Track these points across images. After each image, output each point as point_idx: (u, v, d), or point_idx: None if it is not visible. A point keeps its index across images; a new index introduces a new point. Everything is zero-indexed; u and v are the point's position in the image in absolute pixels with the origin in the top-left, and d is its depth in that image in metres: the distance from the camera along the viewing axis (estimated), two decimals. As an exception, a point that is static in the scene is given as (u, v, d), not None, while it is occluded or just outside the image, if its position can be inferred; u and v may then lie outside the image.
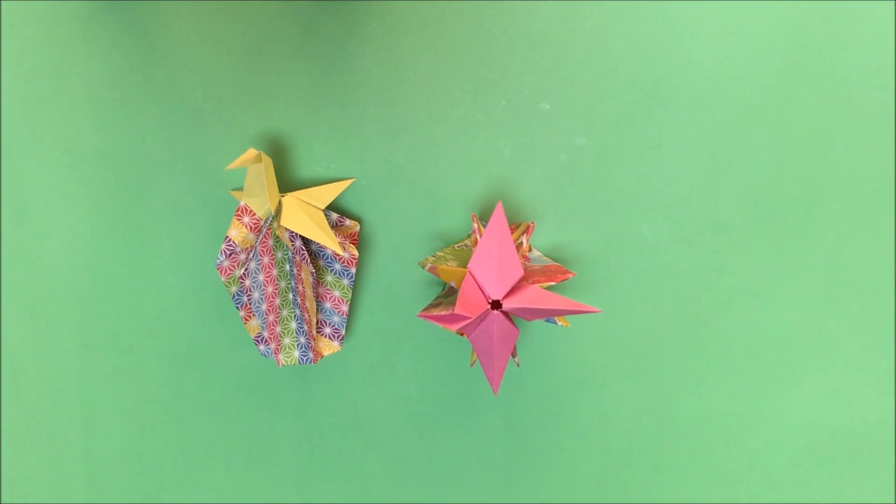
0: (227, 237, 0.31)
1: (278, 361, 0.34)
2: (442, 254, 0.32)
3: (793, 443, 0.35)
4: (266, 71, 0.33)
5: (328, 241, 0.30)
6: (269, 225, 0.31)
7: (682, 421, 0.35)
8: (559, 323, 0.31)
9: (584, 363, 0.35)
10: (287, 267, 0.33)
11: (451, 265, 0.29)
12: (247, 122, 0.34)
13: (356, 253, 0.33)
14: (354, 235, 0.33)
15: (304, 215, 0.31)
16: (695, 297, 0.34)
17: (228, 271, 0.32)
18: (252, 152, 0.29)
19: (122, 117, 0.34)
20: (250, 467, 0.37)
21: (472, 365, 0.33)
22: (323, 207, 0.32)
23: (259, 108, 0.34)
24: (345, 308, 0.34)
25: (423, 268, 0.30)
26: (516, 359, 0.31)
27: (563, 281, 0.29)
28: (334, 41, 0.33)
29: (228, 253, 0.31)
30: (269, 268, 0.32)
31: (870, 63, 0.32)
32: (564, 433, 0.35)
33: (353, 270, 0.33)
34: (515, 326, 0.28)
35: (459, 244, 0.32)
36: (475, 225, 0.31)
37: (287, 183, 0.34)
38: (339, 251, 0.31)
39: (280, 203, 0.31)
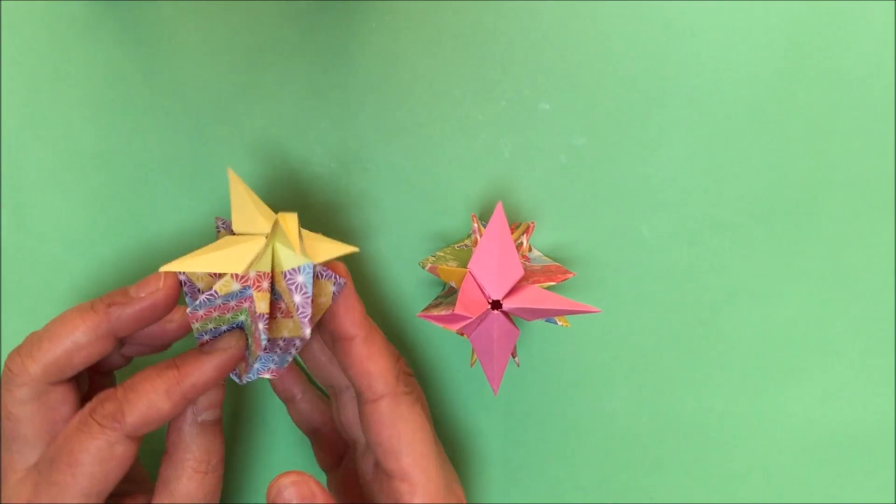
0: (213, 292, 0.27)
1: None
2: (442, 254, 0.32)
3: (793, 443, 0.35)
4: (266, 71, 0.33)
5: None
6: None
7: (682, 421, 0.35)
8: (559, 323, 0.31)
9: (584, 363, 0.35)
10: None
11: (451, 265, 0.29)
12: (247, 122, 0.34)
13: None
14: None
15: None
16: (695, 297, 0.34)
17: (202, 318, 0.28)
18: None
19: (122, 117, 0.34)
20: (250, 467, 0.37)
21: (472, 365, 0.33)
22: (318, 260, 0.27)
23: (259, 108, 0.34)
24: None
25: (423, 268, 0.30)
26: (516, 359, 0.31)
27: (563, 281, 0.29)
28: (334, 41, 0.33)
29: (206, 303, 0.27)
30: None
31: (870, 63, 0.32)
32: (564, 433, 0.35)
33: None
34: (515, 326, 0.28)
35: (459, 244, 0.32)
36: (475, 225, 0.31)
37: (284, 187, 0.34)
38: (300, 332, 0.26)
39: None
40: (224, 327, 0.28)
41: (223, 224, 0.29)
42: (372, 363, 0.29)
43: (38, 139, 0.34)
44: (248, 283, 0.27)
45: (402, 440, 0.29)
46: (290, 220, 0.26)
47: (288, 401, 0.35)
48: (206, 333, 0.28)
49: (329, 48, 0.33)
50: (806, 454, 0.35)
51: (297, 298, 0.27)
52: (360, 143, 0.34)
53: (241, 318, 0.28)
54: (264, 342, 0.27)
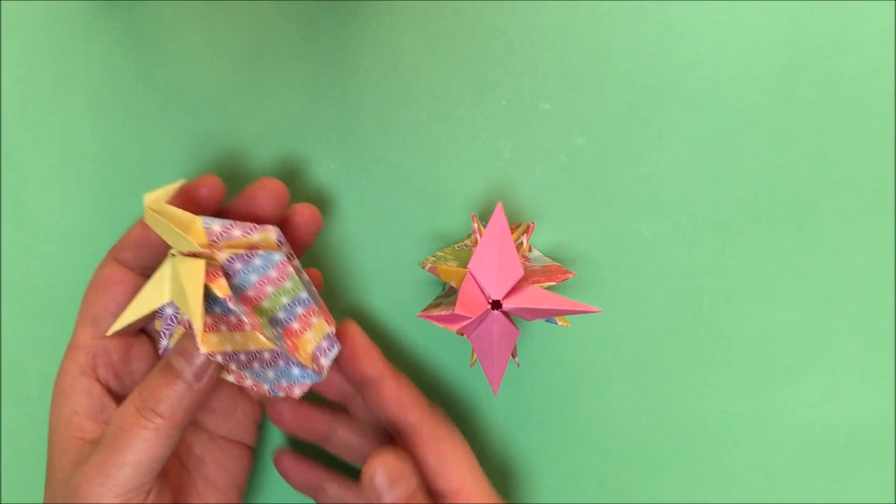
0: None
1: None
2: (442, 254, 0.32)
3: (793, 443, 0.35)
4: (266, 71, 0.33)
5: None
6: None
7: (682, 421, 0.35)
8: (559, 323, 0.31)
9: (584, 363, 0.35)
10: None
11: (451, 265, 0.29)
12: (247, 122, 0.34)
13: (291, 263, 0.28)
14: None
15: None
16: (695, 297, 0.34)
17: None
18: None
19: (122, 117, 0.34)
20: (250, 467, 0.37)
21: (472, 365, 0.33)
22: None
23: (259, 108, 0.34)
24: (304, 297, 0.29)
25: (423, 268, 0.30)
26: (516, 359, 0.31)
27: (563, 281, 0.29)
28: (334, 41, 0.33)
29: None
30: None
31: (870, 63, 0.32)
32: (564, 433, 0.35)
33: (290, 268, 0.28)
34: (516, 326, 0.28)
35: (459, 244, 0.32)
36: (475, 225, 0.31)
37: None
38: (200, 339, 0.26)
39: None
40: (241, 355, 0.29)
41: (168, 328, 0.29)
42: (405, 396, 0.31)
43: (38, 139, 0.34)
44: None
45: (449, 459, 0.31)
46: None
47: (316, 491, 0.34)
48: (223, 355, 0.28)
49: (329, 48, 0.33)
50: (806, 454, 0.35)
51: (236, 232, 0.27)
52: (360, 143, 0.34)
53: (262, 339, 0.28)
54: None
